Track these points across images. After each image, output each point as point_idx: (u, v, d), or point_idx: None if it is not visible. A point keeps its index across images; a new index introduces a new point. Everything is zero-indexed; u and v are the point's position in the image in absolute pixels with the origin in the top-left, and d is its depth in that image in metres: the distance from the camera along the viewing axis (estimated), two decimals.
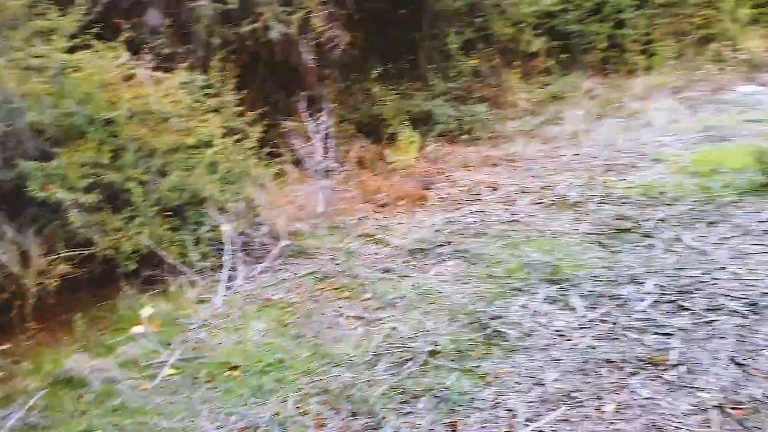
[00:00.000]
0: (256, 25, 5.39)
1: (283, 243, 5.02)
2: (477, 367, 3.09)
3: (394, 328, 3.57)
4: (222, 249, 4.63)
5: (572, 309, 3.58)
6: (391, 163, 7.72)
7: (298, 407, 2.92)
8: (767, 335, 3.09)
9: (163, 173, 4.49)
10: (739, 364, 2.89)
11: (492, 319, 3.55)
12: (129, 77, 4.63)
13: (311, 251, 5.02)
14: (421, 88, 9.93)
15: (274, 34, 5.43)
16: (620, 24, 12.40)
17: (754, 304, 3.39)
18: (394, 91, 9.42)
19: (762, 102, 8.94)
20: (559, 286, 3.87)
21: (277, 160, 6.18)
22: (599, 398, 2.76)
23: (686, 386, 2.78)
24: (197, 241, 4.60)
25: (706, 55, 12.42)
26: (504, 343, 3.29)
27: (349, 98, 9.01)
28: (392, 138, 8.37)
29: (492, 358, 3.17)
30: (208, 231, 4.67)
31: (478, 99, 10.14)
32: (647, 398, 2.72)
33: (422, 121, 9.14)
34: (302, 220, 5.55)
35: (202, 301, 4.21)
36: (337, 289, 4.23)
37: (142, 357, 3.54)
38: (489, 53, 10.93)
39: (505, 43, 11.03)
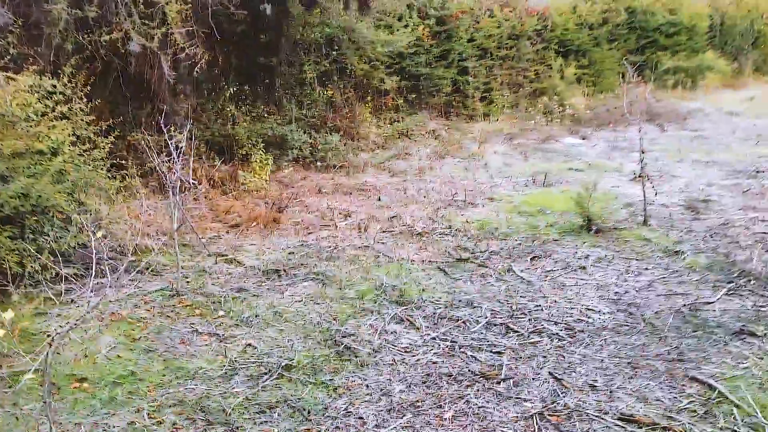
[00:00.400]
0: (114, 35, 5.25)
1: (130, 258, 4.91)
2: (330, 380, 3.28)
3: (249, 345, 3.67)
4: (68, 261, 4.46)
5: (417, 328, 3.89)
6: (243, 184, 7.75)
7: (152, 417, 2.93)
8: (581, 354, 3.58)
9: (5, 178, 4.26)
10: (557, 378, 3.33)
11: (344, 336, 3.76)
12: None
13: (160, 268, 4.96)
14: (276, 112, 10.06)
15: (134, 46, 5.33)
16: (464, 71, 13.37)
17: (570, 329, 3.90)
18: (249, 114, 9.46)
19: (583, 153, 10.05)
20: (405, 308, 4.18)
21: (125, 173, 6.01)
22: (440, 407, 3.06)
23: (513, 397, 3.16)
24: (39, 252, 4.38)
25: (537, 107, 13.74)
26: (355, 358, 3.51)
27: (202, 116, 8.91)
28: (245, 159, 8.41)
29: (344, 372, 3.37)
30: (51, 241, 4.47)
31: (331, 128, 10.46)
32: (481, 407, 3.06)
33: (276, 146, 9.25)
34: (150, 235, 5.46)
35: (42, 313, 4.03)
36: (189, 306, 4.24)
37: None
38: (344, 86, 11.32)
39: (360, 78, 11.47)
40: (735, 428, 2.88)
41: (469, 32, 13.37)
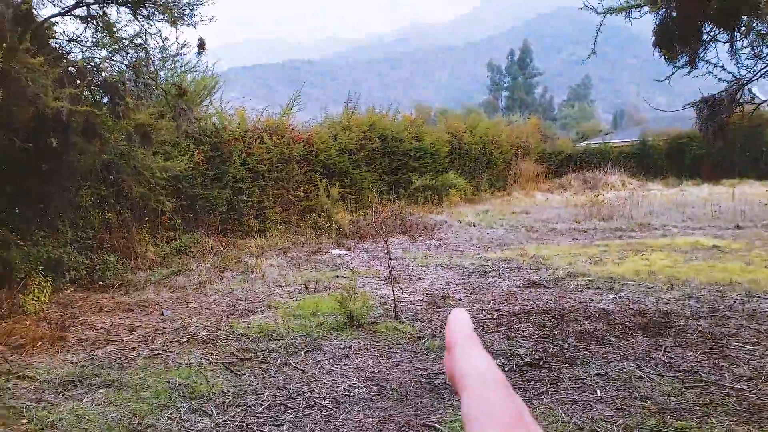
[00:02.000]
0: None
1: None
2: None
3: None
4: None
5: (209, 415, 4.57)
6: (21, 307, 7.77)
7: None
8: (344, 418, 4.53)
9: None
10: None
11: (146, 428, 4.32)
12: None
13: None
14: (52, 235, 10.13)
15: None
16: (239, 191, 14.41)
17: (336, 401, 4.85)
18: (24, 238, 9.45)
19: (347, 262, 11.41)
20: (197, 401, 4.83)
21: None
22: None
23: None
24: None
25: (307, 222, 15.13)
26: None
27: None
28: (23, 283, 8.41)
29: None
30: None
31: (108, 249, 10.72)
32: None
33: (53, 268, 9.33)
34: None
35: None
36: None
37: None
38: (120, 208, 11.69)
39: (136, 200, 11.93)
40: None
41: (241, 157, 14.56)
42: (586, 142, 31.93)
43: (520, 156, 25.44)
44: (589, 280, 8.97)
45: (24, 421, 4.40)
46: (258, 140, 15.03)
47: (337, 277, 9.98)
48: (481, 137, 23.56)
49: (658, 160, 26.29)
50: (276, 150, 15.31)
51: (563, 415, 4.44)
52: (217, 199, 13.88)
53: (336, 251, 12.67)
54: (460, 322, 0.54)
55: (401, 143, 19.45)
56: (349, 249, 12.93)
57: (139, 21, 8.40)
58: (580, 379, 5.09)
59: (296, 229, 14.88)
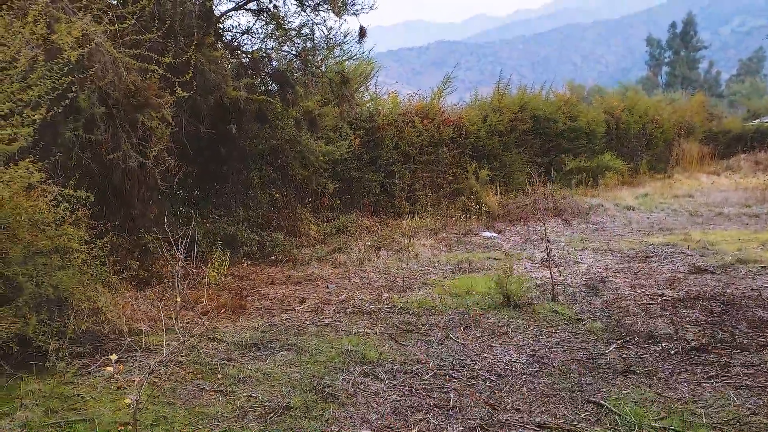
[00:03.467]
0: (115, 154, 6.28)
1: (128, 339, 5.76)
2: (321, 415, 4.25)
3: (251, 396, 4.59)
4: (76, 342, 5.28)
5: (380, 380, 4.93)
6: (204, 278, 8.65)
7: None
8: (507, 391, 4.70)
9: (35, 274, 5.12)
10: (491, 405, 4.42)
11: (325, 387, 4.75)
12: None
13: (153, 347, 5.81)
14: (226, 214, 11.09)
15: (133, 162, 6.34)
16: (391, 174, 14.89)
17: (498, 374, 5.03)
18: (203, 216, 10.45)
19: (499, 245, 11.48)
20: (368, 366, 5.21)
21: (113, 268, 6.87)
22: (407, 427, 4.08)
23: (460, 418, 4.22)
24: (60, 334, 5.20)
25: (456, 205, 15.31)
26: (337, 401, 4.50)
27: (163, 219, 9.82)
28: (205, 256, 9.34)
29: (330, 409, 4.35)
30: (69, 325, 5.29)
31: (276, 227, 11.55)
32: (437, 425, 4.11)
33: (229, 244, 10.23)
34: (141, 320, 6.31)
35: (70, 383, 4.83)
36: (190, 372, 5.12)
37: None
38: (285, 189, 12.52)
39: (299, 182, 12.72)
40: (617, 428, 4.05)
41: (394, 141, 14.99)
42: (758, 121, 29.32)
43: (683, 136, 23.92)
44: (762, 267, 8.41)
45: (219, 376, 5.00)
46: (409, 124, 15.39)
47: (490, 258, 10.09)
48: (640, 116, 22.39)
49: None
50: (426, 134, 15.59)
51: (735, 398, 4.31)
52: (372, 182, 14.43)
53: (486, 233, 12.76)
54: None
55: (554, 124, 18.98)
56: (499, 232, 12.97)
57: (306, 12, 8.95)
58: (754, 365, 4.89)
59: (445, 211, 15.11)
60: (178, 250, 6.04)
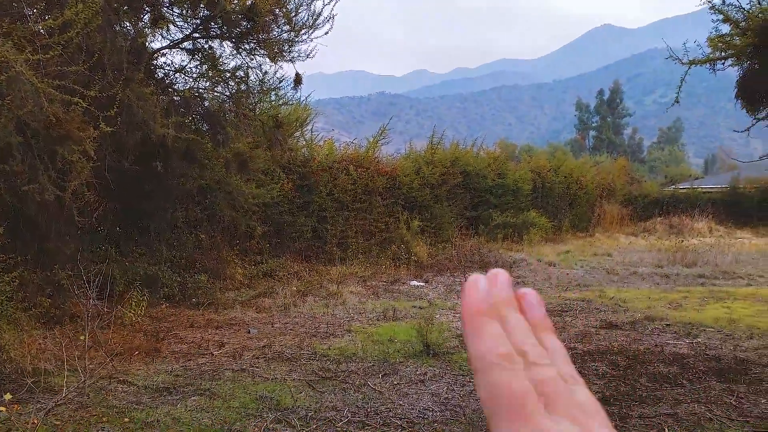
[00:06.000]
0: (33, 185, 6.08)
1: (30, 380, 5.49)
2: None
3: None
4: None
5: (293, 426, 4.85)
6: (120, 318, 8.36)
7: None
8: None
9: None
10: None
11: None
12: None
13: (57, 387, 5.55)
14: (148, 253, 10.81)
15: (49, 195, 6.13)
16: (323, 220, 14.90)
17: (411, 422, 5.03)
18: (123, 255, 10.16)
19: (425, 294, 11.58)
20: (281, 412, 5.12)
21: (27, 304, 6.58)
22: None
23: None
24: None
25: (387, 253, 15.41)
26: None
27: (79, 255, 9.49)
28: (122, 296, 9.04)
29: None
30: None
31: (200, 269, 11.33)
32: None
33: (148, 284, 9.95)
34: (45, 360, 6.03)
35: None
36: (95, 415, 4.90)
37: None
38: (212, 230, 12.35)
39: (228, 223, 12.58)
40: None
41: (327, 187, 15.07)
42: (674, 187, 30.96)
43: (605, 197, 24.98)
44: (667, 325, 8.79)
45: (126, 420, 4.81)
46: (344, 171, 15.53)
47: (415, 307, 10.16)
48: (565, 176, 23.30)
49: (749, 207, 25.14)
50: (360, 182, 15.76)
51: None
52: (303, 227, 14.41)
53: (414, 282, 12.86)
54: (475, 290, 0.45)
55: (483, 179, 19.54)
56: (426, 281, 13.09)
57: (241, 55, 9.02)
58: (649, 417, 5.06)
59: (376, 259, 15.18)
60: (90, 288, 5.83)
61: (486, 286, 0.46)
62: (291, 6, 8.36)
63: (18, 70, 4.83)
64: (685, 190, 28.25)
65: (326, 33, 8.68)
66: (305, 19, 8.51)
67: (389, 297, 11.13)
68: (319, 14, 8.49)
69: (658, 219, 24.57)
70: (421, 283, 12.75)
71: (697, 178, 37.49)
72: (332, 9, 8.60)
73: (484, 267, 14.50)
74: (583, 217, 23.84)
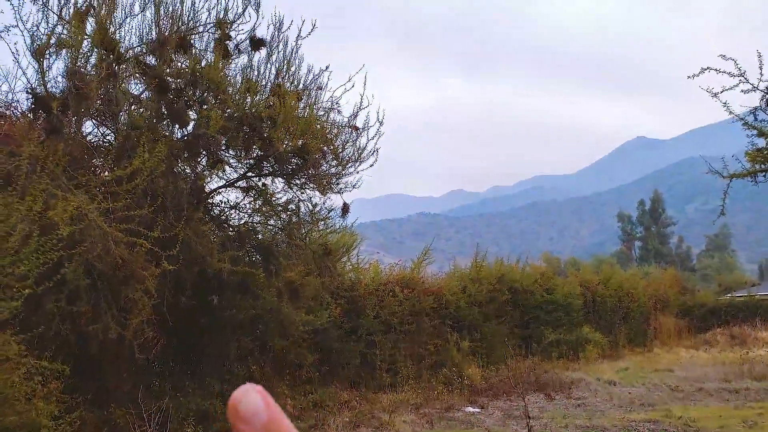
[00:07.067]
0: (96, 326, 6.27)
1: None
2: None
3: None
4: None
5: None
6: None
7: None
8: None
9: None
10: None
11: None
12: None
13: None
14: (200, 387, 10.79)
15: (112, 334, 6.30)
16: (371, 344, 14.77)
17: None
18: (177, 389, 10.15)
19: (482, 421, 11.19)
20: None
21: None
22: None
23: None
24: None
25: (438, 377, 15.06)
26: None
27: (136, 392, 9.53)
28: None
29: None
30: None
31: None
32: None
33: (201, 419, 9.86)
34: None
35: None
36: None
37: None
38: (263, 360, 12.33)
39: (278, 353, 12.56)
40: None
41: (375, 310, 15.06)
42: (730, 295, 29.98)
43: (659, 309, 24.27)
44: None
45: None
46: (390, 293, 15.55)
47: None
48: (616, 290, 22.82)
49: None
50: (407, 303, 15.71)
51: None
52: (352, 352, 14.27)
53: (469, 408, 12.47)
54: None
55: (531, 295, 19.30)
56: (482, 407, 12.67)
57: (292, 189, 9.41)
58: None
59: (427, 383, 14.81)
60: (150, 426, 5.84)
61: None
62: (338, 143, 8.80)
63: (91, 218, 5.15)
64: (742, 298, 27.30)
65: (371, 165, 9.07)
66: (351, 153, 8.93)
67: (444, 425, 10.79)
68: (364, 149, 8.91)
69: (718, 330, 23.64)
70: (477, 409, 12.35)
71: (753, 285, 36.26)
72: (376, 143, 9.03)
73: (541, 389, 14.02)
74: (638, 331, 23.08)
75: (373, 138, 9.00)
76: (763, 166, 6.93)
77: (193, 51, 8.12)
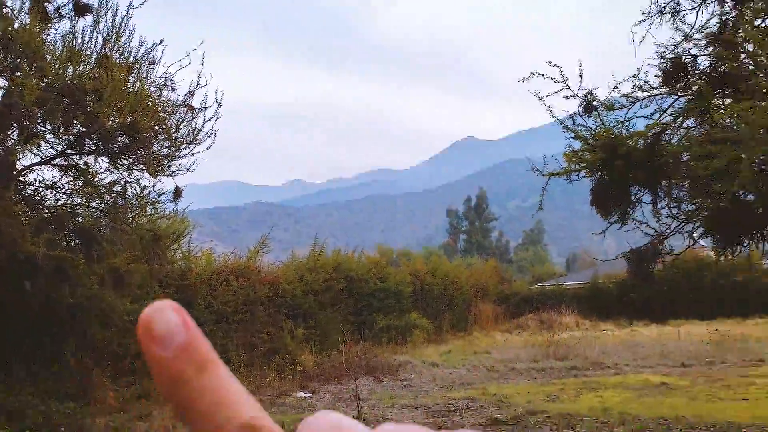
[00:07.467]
0: None
1: None
2: None
3: None
4: None
5: None
6: None
7: None
8: None
9: None
10: None
11: None
12: None
13: None
14: (5, 380, 9.94)
15: None
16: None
17: None
18: None
19: (313, 405, 11.34)
20: None
21: None
22: None
23: None
24: None
25: (271, 365, 15.03)
26: None
27: None
28: None
29: None
30: None
31: (65, 395, 10.50)
32: None
33: (7, 415, 9.11)
34: None
35: None
36: None
37: None
38: (81, 353, 11.58)
39: (99, 343, 11.86)
40: None
41: (206, 299, 14.69)
42: (540, 284, 32.79)
43: (479, 297, 25.99)
44: (548, 417, 9.18)
45: None
46: (224, 282, 15.25)
47: (302, 419, 9.91)
48: (442, 278, 24.13)
49: (609, 301, 27.00)
50: (242, 292, 15.51)
51: None
52: None
53: (301, 394, 12.59)
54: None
55: (366, 284, 19.86)
56: (313, 391, 12.85)
57: (119, 170, 8.90)
58: None
59: (259, 371, 14.74)
60: None
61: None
62: (172, 122, 8.45)
63: None
64: (551, 287, 29.99)
65: (208, 148, 8.81)
66: (186, 134, 8.61)
67: (276, 411, 10.80)
68: (200, 130, 8.62)
69: (530, 315, 25.79)
70: (308, 394, 12.50)
71: (561, 276, 39.97)
72: (213, 125, 8.76)
73: (371, 372, 14.49)
74: (461, 317, 24.56)
75: (210, 119, 8.73)
76: (577, 166, 7.68)
77: (4, 10, 7.41)
